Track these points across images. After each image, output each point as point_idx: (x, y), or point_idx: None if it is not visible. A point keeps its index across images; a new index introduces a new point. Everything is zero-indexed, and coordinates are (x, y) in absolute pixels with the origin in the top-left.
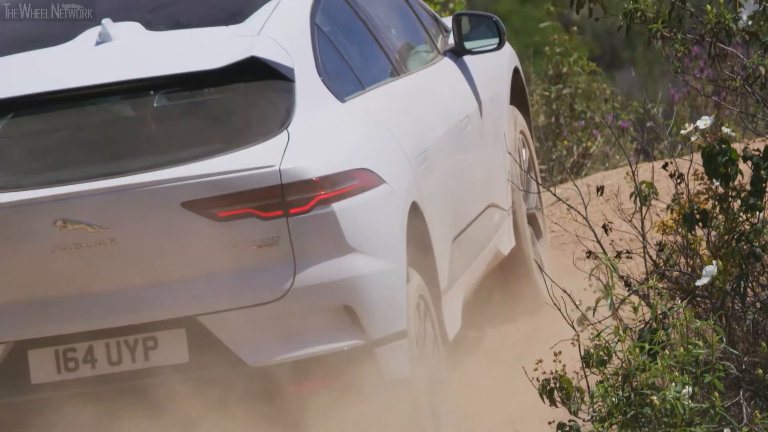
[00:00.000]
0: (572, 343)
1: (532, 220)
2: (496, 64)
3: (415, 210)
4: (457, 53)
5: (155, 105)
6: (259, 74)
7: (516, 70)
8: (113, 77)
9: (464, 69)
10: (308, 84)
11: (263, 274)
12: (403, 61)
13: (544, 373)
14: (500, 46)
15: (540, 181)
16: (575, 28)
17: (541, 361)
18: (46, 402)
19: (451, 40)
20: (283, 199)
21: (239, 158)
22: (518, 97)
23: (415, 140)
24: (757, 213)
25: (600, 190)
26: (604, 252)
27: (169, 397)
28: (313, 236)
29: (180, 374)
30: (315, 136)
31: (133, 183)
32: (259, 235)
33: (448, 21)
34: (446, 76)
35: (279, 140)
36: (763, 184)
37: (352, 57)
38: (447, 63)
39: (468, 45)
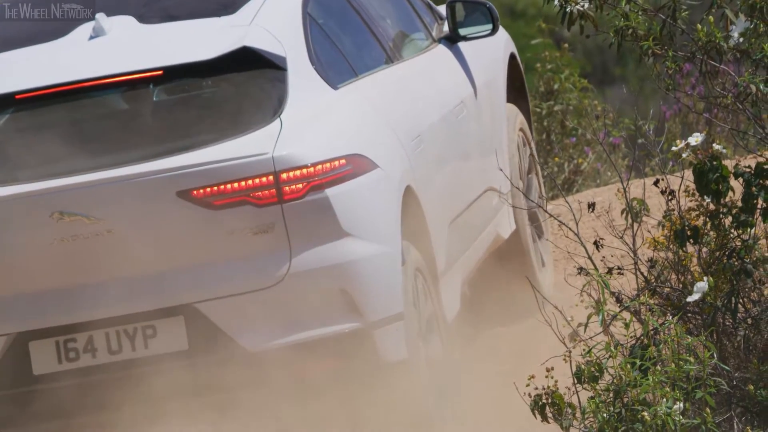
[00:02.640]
0: (564, 359)
1: (533, 217)
2: (492, 50)
3: (410, 194)
4: (451, 40)
5: (149, 97)
6: (251, 64)
7: (513, 56)
8: (107, 71)
9: (459, 55)
10: (300, 72)
11: (259, 260)
12: (397, 48)
13: (536, 389)
14: (494, 31)
15: (541, 178)
16: (567, 44)
17: (533, 377)
18: (48, 392)
19: (445, 28)
20: (277, 186)
21: (233, 147)
22: (516, 83)
23: (409, 125)
24: (748, 229)
25: (591, 206)
26: (596, 268)
27: (170, 384)
28: (308, 222)
29: (180, 361)
30: (307, 123)
31: (129, 174)
32: (254, 222)
33: (442, 9)
34: (441, 62)
35: (272, 128)
36: (754, 201)
37: (345, 45)
38: (441, 50)
39: (462, 32)
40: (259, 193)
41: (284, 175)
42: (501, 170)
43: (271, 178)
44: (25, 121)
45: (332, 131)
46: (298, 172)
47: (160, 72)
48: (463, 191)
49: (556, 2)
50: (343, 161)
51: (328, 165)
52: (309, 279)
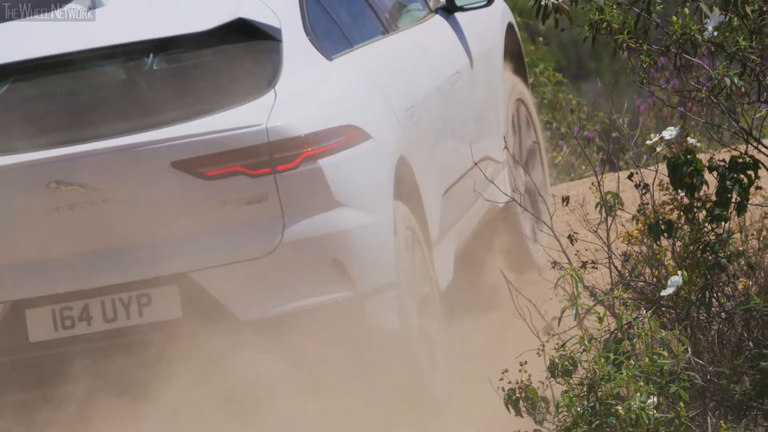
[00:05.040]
0: (537, 353)
1: (530, 155)
2: (488, 20)
3: (403, 164)
4: (448, 10)
5: (145, 68)
6: (246, 35)
7: (510, 25)
8: (104, 42)
9: (456, 25)
10: (295, 43)
11: (253, 230)
12: (393, 19)
13: (510, 382)
14: (489, 2)
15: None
16: (541, 38)
17: (506, 370)
18: (44, 360)
19: None
20: (271, 157)
21: (227, 118)
22: (513, 51)
23: (404, 96)
24: (723, 223)
25: (565, 200)
26: (570, 262)
27: (164, 352)
28: (301, 192)
29: (173, 330)
30: (301, 95)
31: (124, 144)
32: (247, 192)
33: None
34: (437, 32)
35: (266, 99)
36: (729, 195)
37: (341, 16)
38: (438, 20)
39: (459, 2)
40: (253, 163)
41: (278, 146)
42: (476, 164)
43: (264, 148)
44: (21, 91)
45: (326, 102)
46: (291, 143)
47: (155, 43)
48: (457, 160)
49: None
50: (336, 132)
51: (321, 136)
52: (302, 248)
